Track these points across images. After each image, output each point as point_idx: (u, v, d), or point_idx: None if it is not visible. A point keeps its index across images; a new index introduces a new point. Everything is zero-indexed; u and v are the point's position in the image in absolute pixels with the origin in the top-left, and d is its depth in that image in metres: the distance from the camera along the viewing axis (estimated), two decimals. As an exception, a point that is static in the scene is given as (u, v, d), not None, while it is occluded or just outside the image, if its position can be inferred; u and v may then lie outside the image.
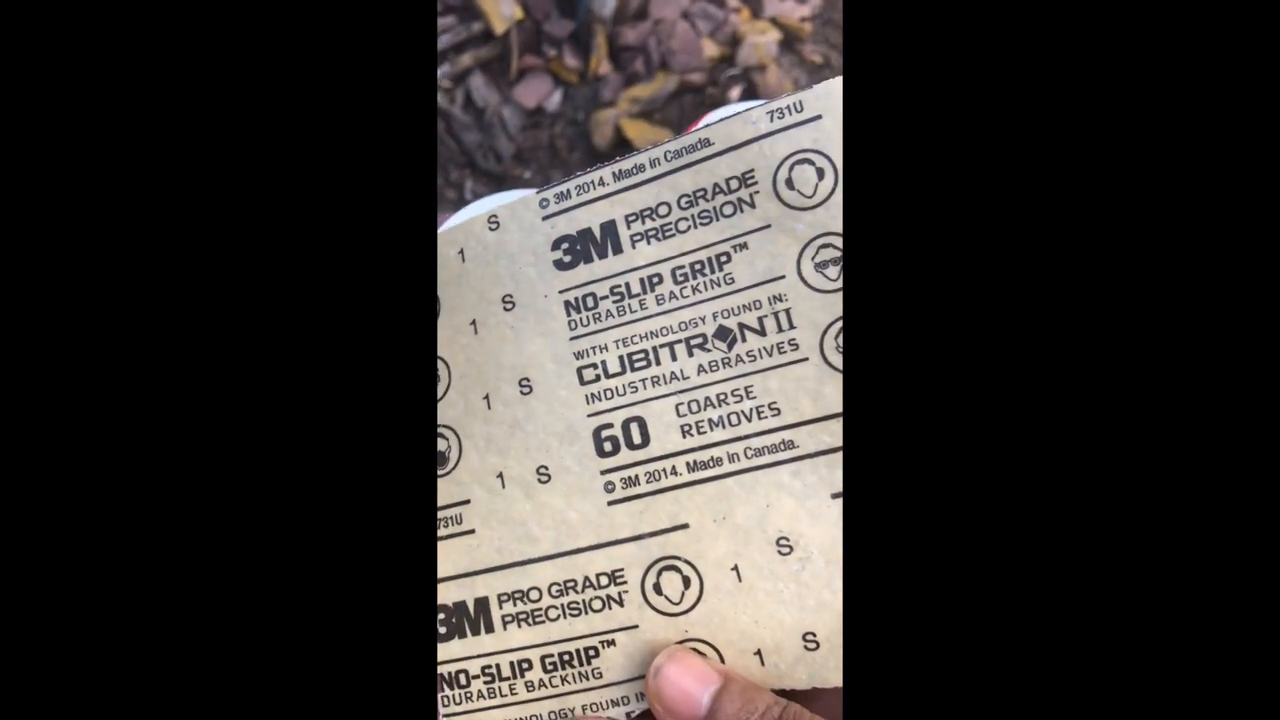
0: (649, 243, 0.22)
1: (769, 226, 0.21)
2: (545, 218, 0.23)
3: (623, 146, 1.16)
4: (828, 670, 0.21)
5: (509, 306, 0.23)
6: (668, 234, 0.22)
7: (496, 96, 1.19)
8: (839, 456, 0.21)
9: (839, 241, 0.21)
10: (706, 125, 0.22)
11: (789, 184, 0.21)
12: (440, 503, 0.23)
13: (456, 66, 1.14)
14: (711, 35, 1.19)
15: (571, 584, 0.22)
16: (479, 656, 0.23)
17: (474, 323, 0.23)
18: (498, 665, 0.23)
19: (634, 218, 0.22)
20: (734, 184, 0.21)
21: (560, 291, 0.22)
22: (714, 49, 1.17)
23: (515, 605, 0.22)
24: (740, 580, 0.21)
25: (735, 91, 1.18)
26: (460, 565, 0.23)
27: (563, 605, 0.22)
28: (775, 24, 1.18)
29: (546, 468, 0.22)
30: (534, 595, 0.22)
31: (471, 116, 1.20)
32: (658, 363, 0.22)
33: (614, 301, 0.22)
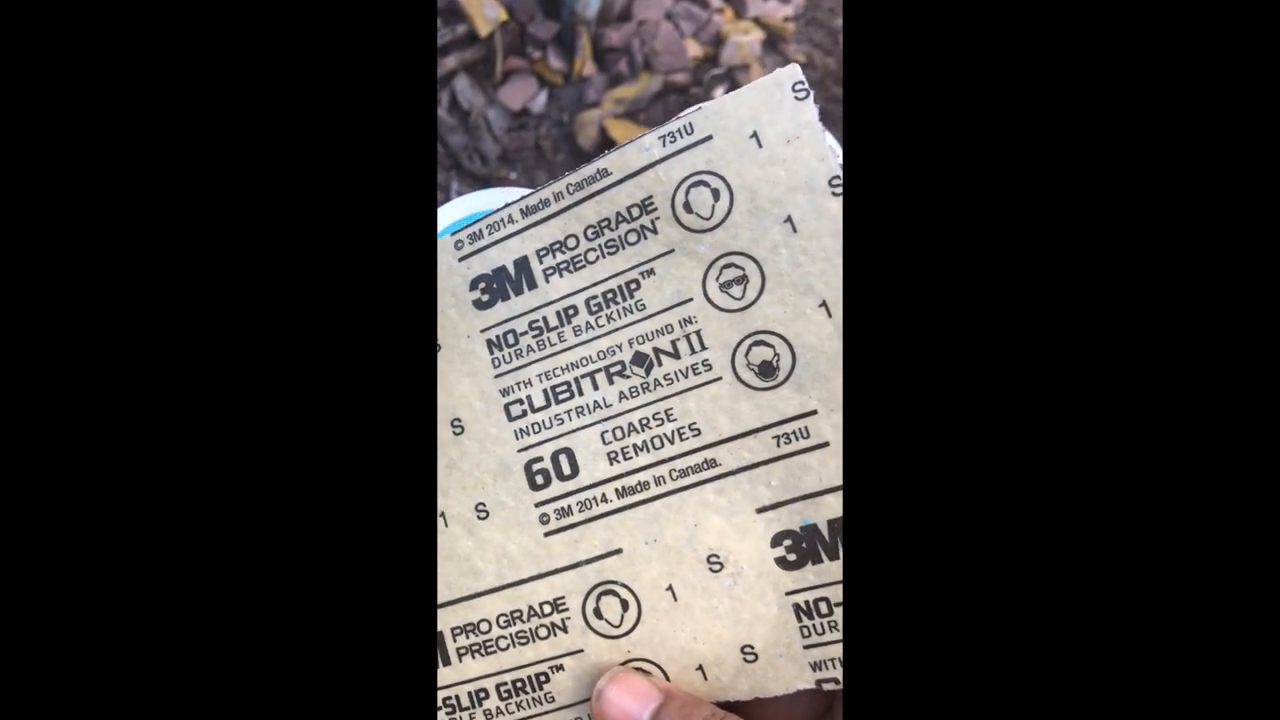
0: (561, 275, 0.22)
1: (672, 251, 0.21)
2: (461, 259, 0.23)
3: (608, 146, 1.17)
4: (767, 680, 0.21)
5: (436, 349, 0.23)
6: (578, 265, 0.22)
7: (481, 98, 1.20)
8: (760, 471, 0.21)
9: (740, 260, 0.21)
10: (605, 155, 0.22)
11: (687, 207, 0.21)
12: None
13: (441, 69, 1.15)
14: (695, 36, 1.19)
15: (518, 614, 0.23)
16: (440, 689, 0.23)
17: None
18: (457, 696, 0.23)
19: (545, 252, 0.22)
20: (635, 211, 0.22)
21: (481, 330, 0.23)
22: (697, 49, 1.18)
23: (468, 637, 0.23)
24: (676, 599, 0.22)
25: (719, 91, 1.18)
26: None
27: (511, 635, 0.23)
28: (758, 24, 1.17)
29: (484, 504, 0.23)
30: (484, 627, 0.23)
31: (457, 118, 1.21)
32: (580, 393, 0.22)
33: (534, 336, 0.23)
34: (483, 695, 0.23)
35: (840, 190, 0.20)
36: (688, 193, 0.21)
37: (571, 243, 0.22)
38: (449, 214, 0.30)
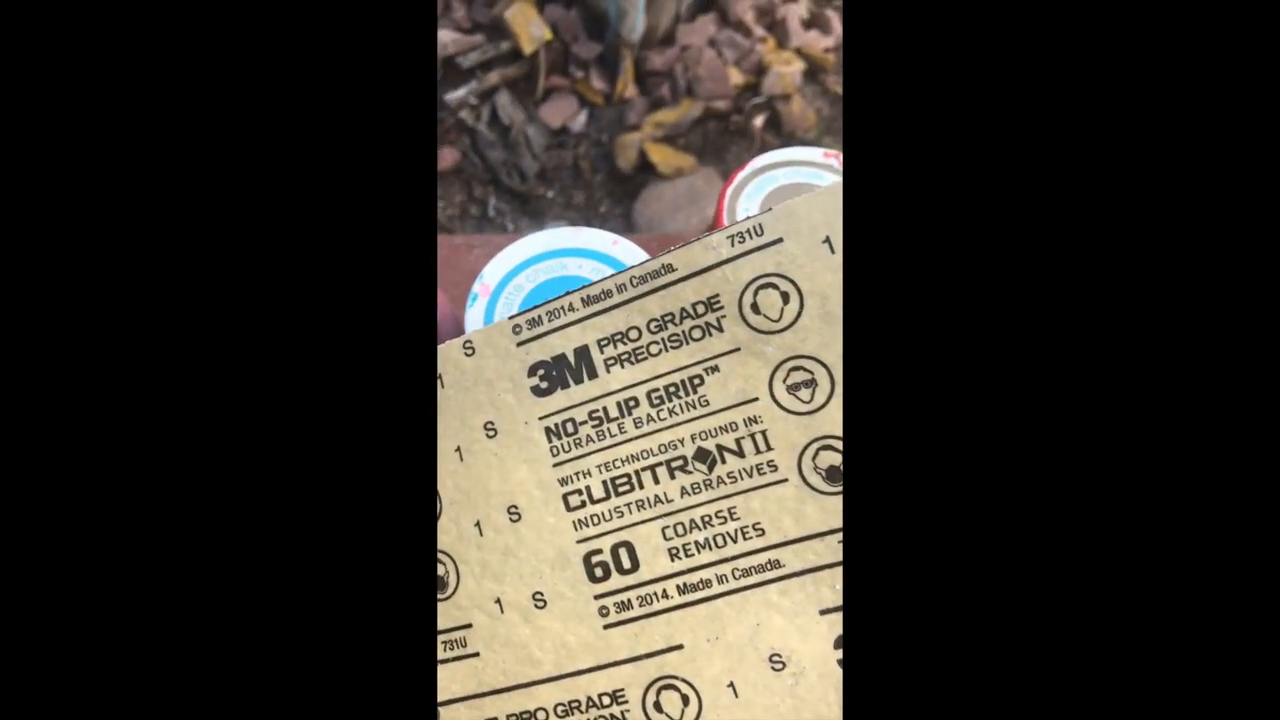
0: (623, 366, 0.22)
1: (738, 350, 0.21)
2: (520, 344, 0.23)
3: (647, 170, 1.17)
4: None
5: (491, 434, 0.23)
6: (640, 357, 0.22)
7: (522, 115, 1.21)
8: (824, 574, 0.21)
9: (809, 364, 0.21)
10: (669, 251, 0.22)
11: (754, 308, 0.21)
12: (443, 625, 0.24)
13: (484, 84, 1.16)
14: (737, 64, 1.19)
15: (575, 704, 0.23)
16: None
17: (459, 449, 0.24)
18: None
19: (606, 342, 0.22)
20: (700, 308, 0.22)
21: (540, 418, 0.23)
22: (739, 77, 1.18)
23: None
24: (737, 696, 0.21)
25: (759, 120, 1.18)
26: (468, 687, 0.24)
27: None
28: (800, 54, 1.17)
29: (542, 593, 0.23)
30: (540, 716, 0.23)
31: (496, 134, 1.21)
32: (641, 486, 0.22)
33: (593, 426, 0.22)
34: None
35: None
36: (756, 294, 0.21)
37: (634, 334, 0.22)
38: (509, 256, 0.30)
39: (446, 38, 1.19)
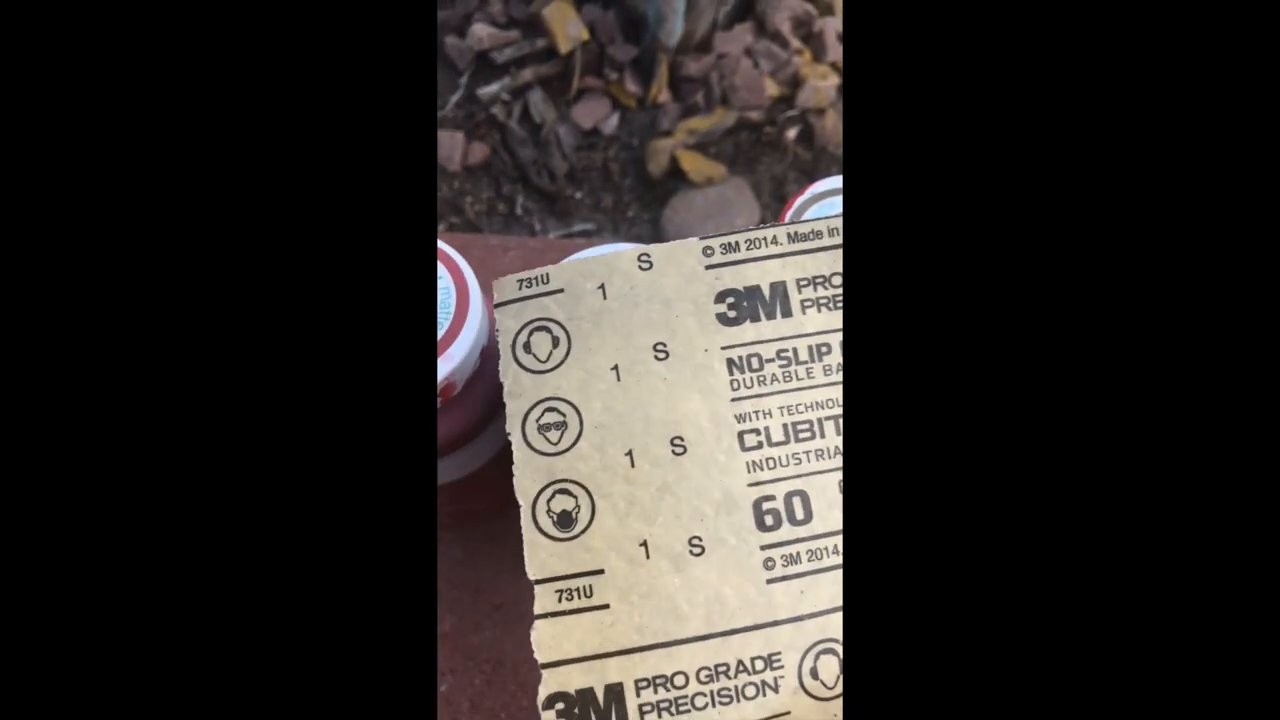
0: (820, 310, 0.21)
1: None
2: (709, 266, 0.21)
3: (677, 177, 1.16)
4: None
5: (662, 356, 0.21)
6: (838, 304, 0.21)
7: (554, 114, 1.20)
8: None
9: None
10: None
11: None
12: (564, 571, 0.21)
13: (517, 80, 1.14)
14: (773, 75, 1.18)
15: (723, 668, 0.20)
16: None
17: (616, 368, 0.21)
18: None
19: (806, 283, 0.21)
20: None
21: (723, 348, 0.21)
22: (775, 89, 1.17)
23: (656, 693, 0.20)
24: None
25: (792, 133, 1.17)
26: (589, 646, 0.20)
27: (712, 693, 0.20)
28: (835, 69, 1.17)
29: (700, 539, 0.21)
30: (679, 680, 0.20)
31: (528, 131, 1.20)
32: (822, 435, 0.21)
33: (780, 366, 0.21)
34: None
35: None
36: None
37: (836, 280, 0.21)
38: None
39: (482, 32, 1.18)
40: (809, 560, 0.20)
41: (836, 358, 0.21)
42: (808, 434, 0.21)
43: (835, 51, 1.18)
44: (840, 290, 0.21)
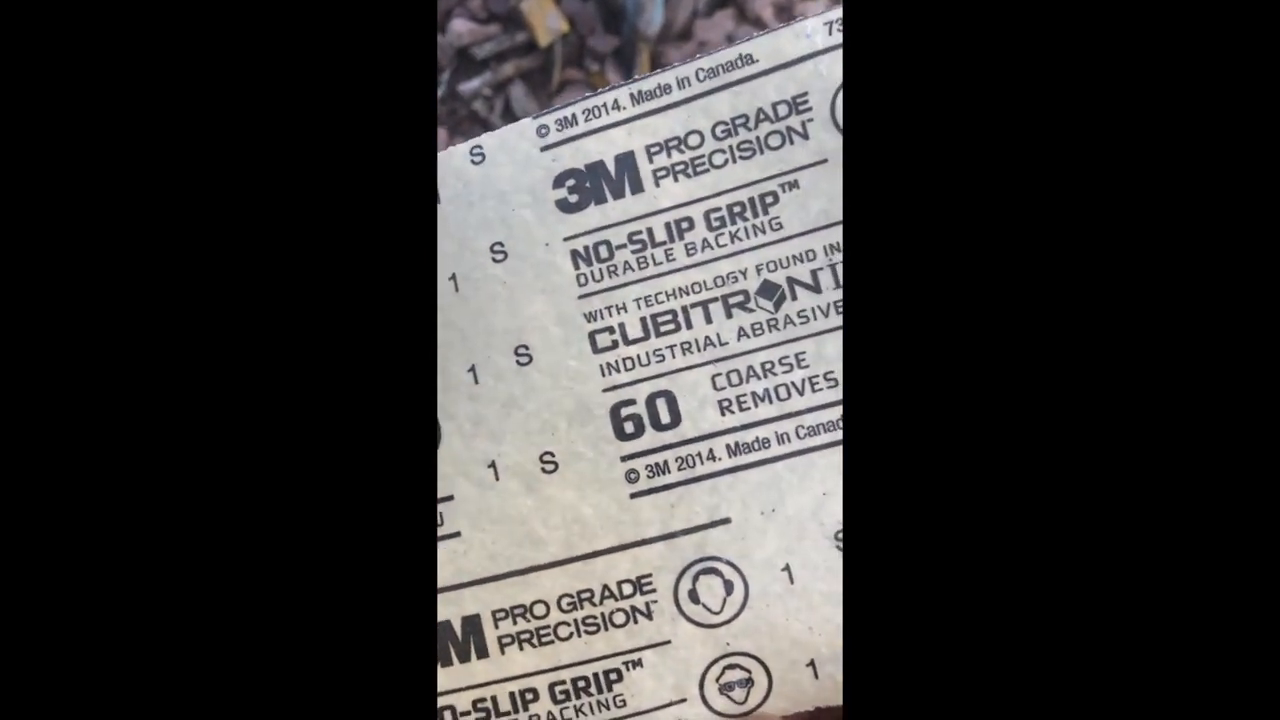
0: (676, 180, 0.18)
1: (825, 162, 0.18)
2: (544, 148, 0.19)
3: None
4: None
5: (499, 257, 0.19)
6: (700, 169, 0.18)
7: (535, 107, 1.19)
8: None
9: None
10: (751, 38, 0.18)
11: None
12: None
13: (498, 75, 1.13)
14: (755, 61, 1.17)
15: (587, 595, 0.18)
16: (470, 688, 0.19)
17: (454, 277, 0.19)
18: (494, 698, 0.19)
19: (657, 149, 0.18)
20: (783, 109, 0.18)
21: (565, 239, 0.19)
22: (757, 74, 1.16)
23: (515, 623, 0.18)
24: (793, 581, 0.18)
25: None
26: (443, 577, 0.19)
27: (576, 621, 0.18)
28: (819, 50, 1.16)
29: (552, 454, 0.18)
30: (539, 610, 0.18)
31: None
32: (689, 326, 0.18)
33: (633, 251, 0.18)
34: (531, 697, 0.18)
35: None
36: None
37: (694, 140, 0.18)
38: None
39: (462, 28, 1.17)
40: (679, 469, 0.18)
41: (700, 233, 0.18)
42: (670, 326, 0.18)
43: (819, 35, 1.17)
44: (701, 152, 0.18)
